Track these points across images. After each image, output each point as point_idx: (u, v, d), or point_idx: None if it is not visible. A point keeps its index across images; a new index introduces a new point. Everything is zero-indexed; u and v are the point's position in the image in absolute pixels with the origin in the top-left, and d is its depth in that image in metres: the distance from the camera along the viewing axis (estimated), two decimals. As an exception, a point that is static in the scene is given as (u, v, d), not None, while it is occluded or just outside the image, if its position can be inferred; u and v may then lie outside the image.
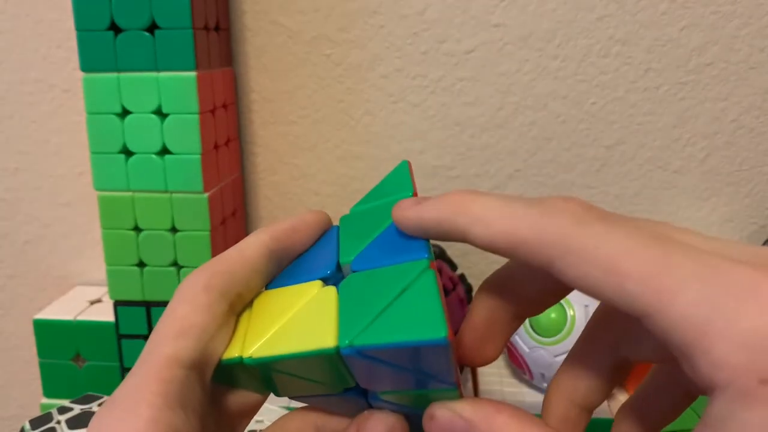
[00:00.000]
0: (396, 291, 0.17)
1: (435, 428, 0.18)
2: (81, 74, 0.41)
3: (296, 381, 0.19)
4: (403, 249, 0.19)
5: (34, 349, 0.48)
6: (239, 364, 0.18)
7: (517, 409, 0.17)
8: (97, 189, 0.43)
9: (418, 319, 0.16)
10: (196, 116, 0.41)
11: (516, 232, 0.16)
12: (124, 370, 0.45)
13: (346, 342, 0.17)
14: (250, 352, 0.18)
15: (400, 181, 0.22)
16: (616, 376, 0.20)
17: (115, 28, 0.40)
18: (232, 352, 0.19)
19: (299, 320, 0.18)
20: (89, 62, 0.41)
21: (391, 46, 0.48)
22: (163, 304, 0.44)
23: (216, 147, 0.44)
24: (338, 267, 0.20)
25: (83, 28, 0.40)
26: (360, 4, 0.47)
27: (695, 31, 0.46)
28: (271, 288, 0.21)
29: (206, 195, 0.42)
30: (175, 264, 0.43)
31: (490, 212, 0.17)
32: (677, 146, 0.49)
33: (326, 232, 0.22)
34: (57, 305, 0.49)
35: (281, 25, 0.48)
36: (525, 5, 0.46)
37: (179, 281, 0.43)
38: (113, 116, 0.41)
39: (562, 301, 0.43)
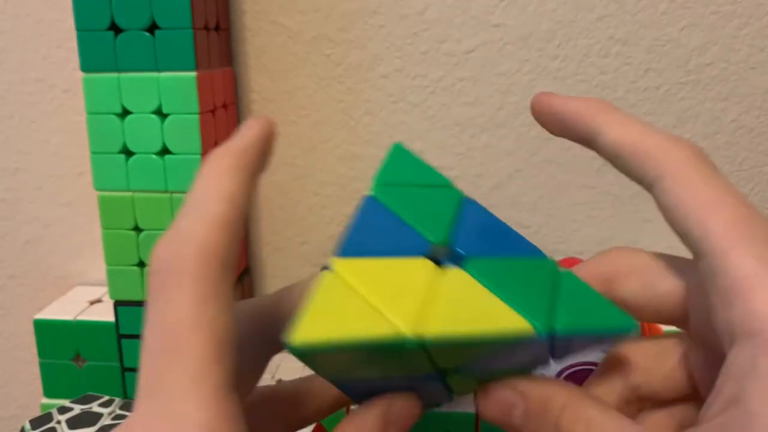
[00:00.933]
0: (549, 283, 0.18)
1: (491, 401, 0.18)
2: (81, 74, 0.41)
3: (388, 363, 0.17)
4: (509, 242, 0.20)
5: (34, 349, 0.48)
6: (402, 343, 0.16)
7: (573, 388, 0.18)
8: (97, 189, 0.43)
9: (602, 311, 0.18)
10: (197, 116, 0.41)
11: (644, 142, 0.18)
12: (125, 370, 0.45)
13: (547, 328, 0.17)
14: (423, 329, 0.16)
15: (416, 167, 0.21)
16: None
17: (115, 28, 0.40)
18: (380, 329, 0.16)
19: (454, 301, 0.17)
20: (89, 62, 0.41)
21: (391, 46, 0.48)
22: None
23: (216, 147, 0.44)
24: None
25: (83, 28, 0.40)
26: (360, 4, 0.47)
27: (695, 31, 0.46)
28: (353, 256, 0.18)
29: (206, 195, 0.42)
30: (175, 264, 0.43)
31: (626, 119, 0.19)
32: (677, 146, 0.49)
33: (362, 202, 0.20)
34: (57, 305, 0.49)
35: (281, 25, 0.48)
36: (525, 5, 0.46)
37: (179, 281, 0.43)
38: (113, 116, 0.41)
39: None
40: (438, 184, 0.21)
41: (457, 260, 0.19)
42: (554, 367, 0.35)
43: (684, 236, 0.17)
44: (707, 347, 0.19)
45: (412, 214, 0.19)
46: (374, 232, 0.19)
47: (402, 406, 0.19)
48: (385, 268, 0.17)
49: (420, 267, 0.18)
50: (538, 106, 0.21)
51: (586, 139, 0.20)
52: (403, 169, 0.21)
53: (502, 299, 0.17)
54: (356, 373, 0.18)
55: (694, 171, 0.17)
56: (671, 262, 0.20)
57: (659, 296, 0.19)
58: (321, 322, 0.15)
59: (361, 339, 0.15)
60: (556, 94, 0.20)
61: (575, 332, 0.17)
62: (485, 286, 0.18)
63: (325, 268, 0.17)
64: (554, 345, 0.18)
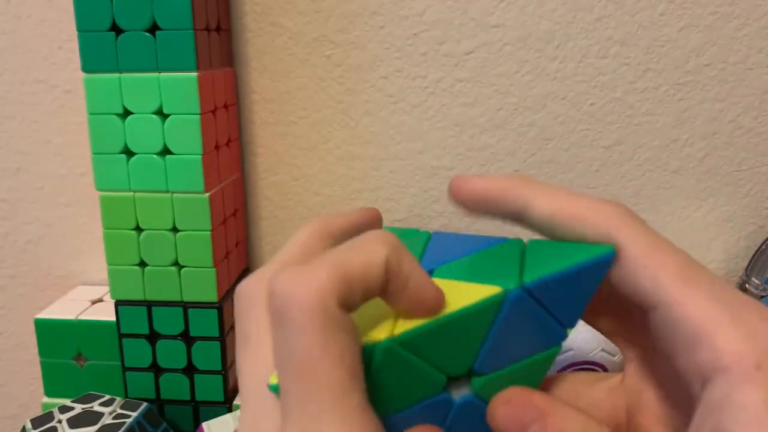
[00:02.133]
0: (517, 256, 0.19)
1: (509, 411, 0.19)
2: (82, 75, 0.41)
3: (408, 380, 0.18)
4: (474, 245, 0.21)
5: (35, 349, 0.48)
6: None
7: (583, 414, 0.19)
8: (99, 189, 0.43)
9: (573, 251, 0.18)
10: (197, 117, 0.41)
11: (578, 207, 0.18)
12: (126, 370, 0.45)
13: (516, 284, 0.18)
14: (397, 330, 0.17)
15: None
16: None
17: (116, 29, 0.40)
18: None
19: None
20: (90, 63, 0.41)
21: (391, 47, 0.48)
22: (164, 303, 0.44)
23: (217, 147, 0.44)
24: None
25: (84, 29, 0.40)
26: (360, 6, 0.47)
27: (694, 31, 0.46)
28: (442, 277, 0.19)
29: (207, 195, 0.42)
30: (176, 264, 0.44)
31: (552, 188, 0.19)
32: (676, 146, 0.49)
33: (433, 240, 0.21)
34: (58, 305, 0.49)
35: (282, 26, 0.48)
36: (524, 6, 0.46)
37: (180, 281, 0.44)
38: (114, 117, 0.41)
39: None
40: (409, 235, 0.23)
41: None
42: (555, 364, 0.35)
43: (633, 291, 0.17)
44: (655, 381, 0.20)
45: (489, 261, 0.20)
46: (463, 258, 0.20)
47: None
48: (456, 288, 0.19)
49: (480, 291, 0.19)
50: (456, 191, 0.20)
51: (515, 214, 0.20)
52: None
53: (476, 282, 0.18)
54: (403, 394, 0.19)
55: (630, 227, 0.18)
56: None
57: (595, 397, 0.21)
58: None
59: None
60: (472, 176, 0.20)
61: (547, 277, 0.18)
62: (458, 279, 0.19)
63: None
64: (542, 301, 0.18)
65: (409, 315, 0.18)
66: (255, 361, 0.19)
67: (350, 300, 0.17)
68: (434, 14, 0.47)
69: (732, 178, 0.49)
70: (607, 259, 0.18)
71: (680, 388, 0.17)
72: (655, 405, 0.20)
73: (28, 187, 0.53)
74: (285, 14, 0.48)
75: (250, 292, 0.20)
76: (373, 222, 0.23)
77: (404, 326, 0.18)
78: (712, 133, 0.49)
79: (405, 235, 0.23)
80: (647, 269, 0.17)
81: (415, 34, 0.47)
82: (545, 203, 0.19)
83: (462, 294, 0.18)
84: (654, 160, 0.49)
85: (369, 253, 0.17)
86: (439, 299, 0.18)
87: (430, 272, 0.20)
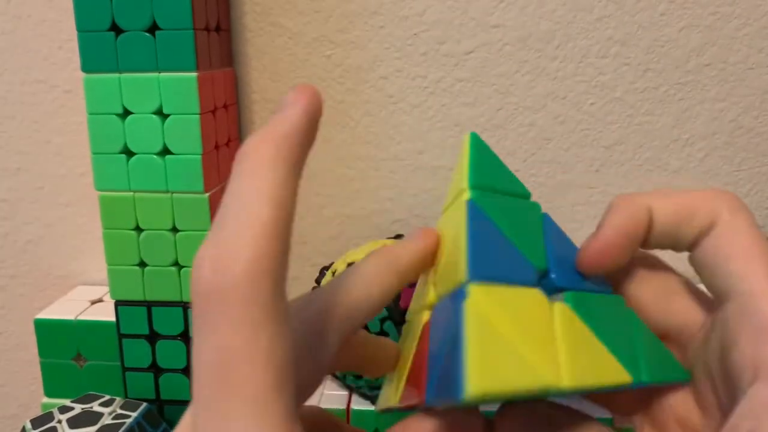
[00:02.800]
0: (628, 326, 0.19)
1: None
2: (82, 75, 0.41)
3: None
4: (578, 273, 0.20)
5: (35, 349, 0.48)
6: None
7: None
8: (98, 189, 0.43)
9: (667, 362, 0.19)
10: (197, 117, 0.41)
11: (691, 199, 0.18)
12: (125, 370, 0.45)
13: (638, 379, 0.18)
14: (565, 382, 0.17)
15: (498, 168, 0.22)
16: None
17: (116, 29, 0.40)
18: (535, 380, 0.16)
19: (573, 347, 0.18)
20: (90, 63, 0.41)
21: (391, 47, 0.48)
22: (164, 303, 0.44)
23: (217, 147, 0.44)
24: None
25: (84, 29, 0.40)
26: (360, 6, 0.47)
27: (694, 31, 0.46)
28: (481, 280, 0.17)
29: (207, 195, 0.42)
30: (176, 264, 0.43)
31: (663, 192, 0.19)
32: (676, 146, 0.49)
33: (469, 211, 0.19)
34: (58, 305, 0.49)
35: (282, 26, 0.48)
36: (524, 6, 0.46)
37: (180, 281, 0.44)
38: (114, 117, 0.41)
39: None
40: (521, 195, 0.22)
41: (553, 289, 0.19)
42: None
43: (718, 275, 0.18)
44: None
45: (514, 233, 0.19)
46: (490, 252, 0.18)
47: (462, 419, 0.18)
48: (512, 301, 0.17)
49: (538, 301, 0.18)
50: (591, 262, 0.19)
51: (643, 234, 0.19)
52: (488, 170, 0.21)
53: (604, 345, 0.18)
54: None
55: (734, 215, 0.18)
56: (691, 286, 0.21)
57: (670, 310, 0.20)
58: (485, 371, 0.15)
59: (522, 389, 0.16)
60: (593, 240, 0.20)
61: (654, 382, 0.19)
62: (588, 326, 0.19)
63: None
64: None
65: None
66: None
67: (281, 270, 0.14)
68: (434, 14, 0.47)
69: (732, 178, 0.49)
70: (678, 383, 0.19)
71: None
72: None
73: (28, 187, 0.53)
74: (285, 14, 0.48)
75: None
76: (433, 250, 0.20)
77: (569, 374, 0.17)
78: (713, 133, 0.49)
79: (502, 176, 0.21)
80: (740, 257, 0.17)
81: (415, 34, 0.47)
82: (665, 207, 0.19)
83: (602, 363, 0.18)
84: (654, 160, 0.49)
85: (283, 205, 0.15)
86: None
87: (557, 289, 0.19)
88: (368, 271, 0.18)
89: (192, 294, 0.14)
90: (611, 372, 0.18)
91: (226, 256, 0.14)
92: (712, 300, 0.19)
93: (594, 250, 0.19)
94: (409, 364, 0.19)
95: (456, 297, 0.17)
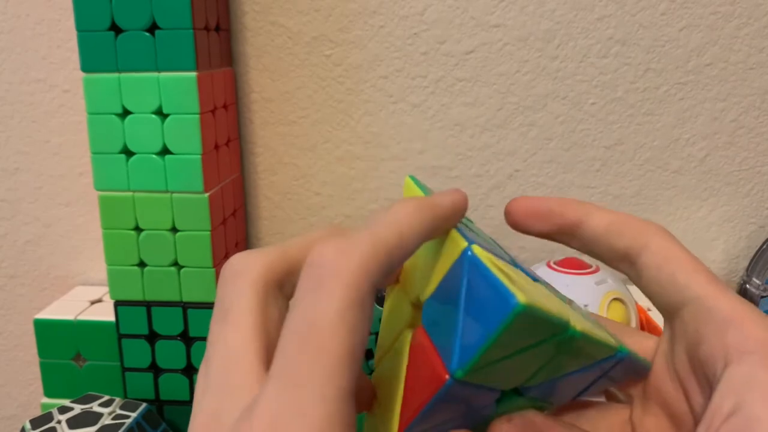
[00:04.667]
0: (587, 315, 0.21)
1: (511, 429, 0.20)
2: (81, 74, 0.41)
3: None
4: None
5: (34, 349, 0.48)
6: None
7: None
8: (98, 189, 0.43)
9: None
10: (197, 116, 0.41)
11: (628, 222, 0.21)
12: (125, 370, 0.45)
13: (620, 348, 0.20)
14: (578, 326, 0.18)
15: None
16: None
17: (115, 29, 0.40)
18: (561, 313, 0.18)
19: (577, 313, 0.20)
20: (90, 62, 0.41)
21: (391, 46, 0.48)
22: (164, 303, 0.44)
23: (216, 147, 0.44)
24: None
25: (84, 29, 0.40)
26: (360, 5, 0.47)
27: (694, 31, 0.46)
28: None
29: (207, 195, 0.42)
30: (175, 264, 0.43)
31: (601, 207, 0.22)
32: (677, 146, 0.49)
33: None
34: (57, 305, 0.49)
35: (281, 26, 0.48)
36: (524, 6, 0.46)
37: (180, 281, 0.43)
38: (114, 116, 0.41)
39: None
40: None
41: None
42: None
43: (668, 289, 0.20)
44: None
45: (486, 241, 0.21)
46: (476, 241, 0.19)
47: None
48: (508, 267, 0.19)
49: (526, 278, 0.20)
50: (515, 210, 0.23)
51: (570, 227, 0.22)
52: None
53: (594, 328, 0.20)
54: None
55: (672, 242, 0.21)
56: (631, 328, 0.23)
57: (626, 344, 0.22)
58: (521, 290, 0.16)
59: (554, 315, 0.17)
60: (528, 197, 0.23)
61: (630, 357, 0.20)
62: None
63: None
64: (608, 370, 0.21)
65: None
66: (233, 335, 0.18)
67: (380, 280, 0.17)
68: (434, 14, 0.47)
69: (733, 178, 0.49)
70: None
71: (683, 414, 0.20)
72: None
73: (28, 187, 0.53)
74: (284, 13, 0.48)
75: (240, 266, 0.19)
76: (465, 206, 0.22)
77: (577, 323, 0.19)
78: (713, 133, 0.48)
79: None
80: (683, 271, 0.20)
81: (415, 34, 0.47)
82: (602, 217, 0.22)
83: (601, 330, 0.20)
84: (655, 160, 0.49)
85: (407, 235, 0.18)
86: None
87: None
88: (400, 210, 0.19)
89: (307, 265, 0.17)
90: (603, 334, 0.20)
91: (350, 247, 0.17)
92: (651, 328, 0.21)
93: (522, 200, 0.23)
94: (400, 394, 0.19)
95: (462, 259, 0.18)
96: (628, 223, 0.21)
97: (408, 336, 0.20)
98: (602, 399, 0.23)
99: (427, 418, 0.18)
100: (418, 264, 0.21)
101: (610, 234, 0.22)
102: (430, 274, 0.20)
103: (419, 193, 0.22)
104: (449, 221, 0.20)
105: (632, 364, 0.21)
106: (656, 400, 0.21)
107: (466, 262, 0.18)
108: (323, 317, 0.16)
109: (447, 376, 0.17)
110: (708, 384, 0.18)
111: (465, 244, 0.18)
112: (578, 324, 0.18)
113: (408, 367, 0.19)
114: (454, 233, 0.19)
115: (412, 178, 0.23)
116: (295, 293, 0.17)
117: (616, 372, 0.21)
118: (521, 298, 0.16)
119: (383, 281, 0.18)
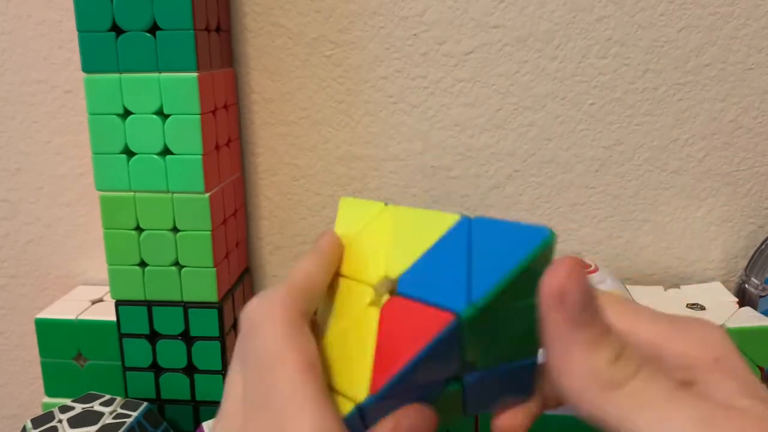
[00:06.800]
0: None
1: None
2: (83, 75, 0.41)
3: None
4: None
5: (35, 349, 0.48)
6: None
7: None
8: (99, 189, 0.43)
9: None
10: (198, 117, 0.41)
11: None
12: (126, 369, 0.45)
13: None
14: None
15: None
16: None
17: (116, 29, 0.40)
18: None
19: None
20: (91, 63, 0.41)
21: (390, 47, 0.48)
22: (165, 303, 0.44)
23: (217, 147, 0.44)
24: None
25: (85, 29, 0.40)
26: (360, 6, 0.47)
27: (693, 32, 0.47)
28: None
29: (207, 195, 0.42)
30: (176, 264, 0.44)
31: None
32: (675, 146, 0.49)
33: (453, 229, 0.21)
34: (59, 305, 0.49)
35: (282, 27, 0.48)
36: (524, 7, 0.47)
37: (180, 281, 0.44)
38: (115, 117, 0.42)
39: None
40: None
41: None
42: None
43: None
44: None
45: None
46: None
47: (415, 418, 0.20)
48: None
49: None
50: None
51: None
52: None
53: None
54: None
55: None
56: None
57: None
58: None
59: None
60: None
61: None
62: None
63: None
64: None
65: None
66: (288, 378, 0.19)
67: (307, 308, 0.21)
68: (434, 14, 0.47)
69: (732, 178, 0.49)
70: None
71: None
72: None
73: (28, 187, 0.53)
74: (285, 14, 0.48)
75: (261, 313, 0.21)
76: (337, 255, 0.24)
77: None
78: (712, 133, 0.49)
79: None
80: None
81: (415, 35, 0.48)
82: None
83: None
84: (654, 160, 0.49)
85: (311, 272, 0.22)
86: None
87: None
88: (304, 260, 0.23)
89: (241, 322, 0.20)
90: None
91: (271, 293, 0.21)
92: None
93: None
94: (368, 363, 0.20)
95: (461, 225, 0.20)
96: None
97: (373, 312, 0.21)
98: None
99: (411, 373, 0.19)
100: (364, 258, 0.23)
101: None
102: (397, 254, 0.21)
103: (359, 206, 0.24)
104: (335, 254, 0.23)
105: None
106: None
107: (471, 223, 0.20)
108: (272, 346, 0.19)
109: (452, 316, 0.18)
110: None
111: (456, 216, 0.20)
112: None
113: (380, 336, 0.20)
114: (431, 214, 0.21)
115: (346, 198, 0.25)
116: (236, 343, 0.20)
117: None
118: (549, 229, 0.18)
119: (311, 307, 0.21)
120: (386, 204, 0.24)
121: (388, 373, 0.19)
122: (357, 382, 0.19)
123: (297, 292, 0.21)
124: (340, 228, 0.24)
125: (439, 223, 0.21)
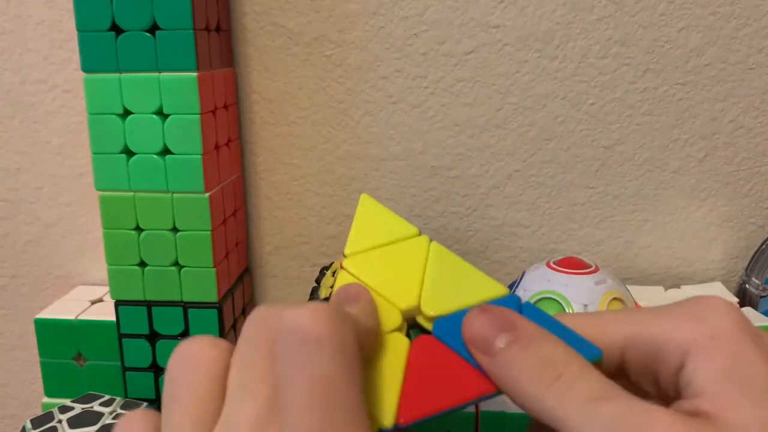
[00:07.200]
0: None
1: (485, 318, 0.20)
2: (82, 75, 0.41)
3: None
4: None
5: (35, 349, 0.48)
6: None
7: None
8: (99, 189, 0.43)
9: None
10: (197, 117, 0.41)
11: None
12: (126, 370, 0.45)
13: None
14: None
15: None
16: None
17: (116, 29, 0.40)
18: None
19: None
20: (90, 63, 0.41)
21: (390, 47, 0.48)
22: (164, 303, 0.44)
23: (217, 147, 0.44)
24: None
25: (84, 29, 0.40)
26: (360, 6, 0.47)
27: (694, 32, 0.47)
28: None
29: (207, 195, 0.42)
30: (176, 264, 0.44)
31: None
32: (676, 146, 0.49)
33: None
34: (58, 305, 0.49)
35: (282, 27, 0.48)
36: (524, 6, 0.46)
37: (180, 281, 0.44)
38: (114, 117, 0.41)
39: (560, 301, 0.43)
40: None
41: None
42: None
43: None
44: None
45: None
46: None
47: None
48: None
49: None
50: None
51: None
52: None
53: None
54: None
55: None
56: None
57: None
58: None
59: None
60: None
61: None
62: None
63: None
64: None
65: None
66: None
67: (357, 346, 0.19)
68: (434, 14, 0.47)
69: (732, 178, 0.49)
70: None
71: None
72: None
73: (28, 187, 0.53)
74: (285, 14, 0.48)
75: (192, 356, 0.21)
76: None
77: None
78: (712, 133, 0.49)
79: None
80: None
81: (415, 34, 0.48)
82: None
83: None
84: (654, 160, 0.49)
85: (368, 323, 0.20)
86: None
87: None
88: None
89: (284, 335, 0.18)
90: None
91: (324, 311, 0.18)
92: None
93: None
94: (396, 388, 0.20)
95: (511, 301, 0.21)
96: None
97: (401, 338, 0.21)
98: None
99: (441, 416, 0.19)
100: (393, 277, 0.22)
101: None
102: (435, 293, 0.21)
103: (382, 214, 0.24)
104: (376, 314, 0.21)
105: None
106: None
107: (522, 307, 0.20)
108: (332, 375, 0.17)
109: (495, 389, 0.19)
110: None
111: (505, 290, 0.21)
112: None
113: (410, 368, 0.20)
114: (478, 274, 0.22)
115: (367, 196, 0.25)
116: (280, 357, 0.18)
117: None
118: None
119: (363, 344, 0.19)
120: (420, 233, 0.24)
121: (420, 410, 0.19)
122: (382, 407, 0.19)
123: (356, 324, 0.19)
124: (359, 226, 0.24)
125: (485, 286, 0.21)
